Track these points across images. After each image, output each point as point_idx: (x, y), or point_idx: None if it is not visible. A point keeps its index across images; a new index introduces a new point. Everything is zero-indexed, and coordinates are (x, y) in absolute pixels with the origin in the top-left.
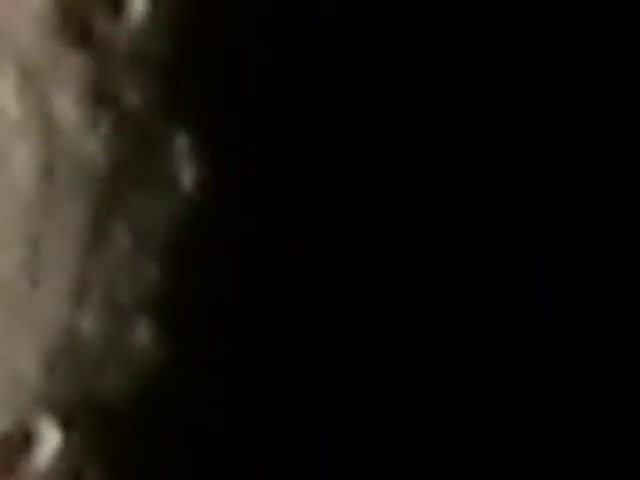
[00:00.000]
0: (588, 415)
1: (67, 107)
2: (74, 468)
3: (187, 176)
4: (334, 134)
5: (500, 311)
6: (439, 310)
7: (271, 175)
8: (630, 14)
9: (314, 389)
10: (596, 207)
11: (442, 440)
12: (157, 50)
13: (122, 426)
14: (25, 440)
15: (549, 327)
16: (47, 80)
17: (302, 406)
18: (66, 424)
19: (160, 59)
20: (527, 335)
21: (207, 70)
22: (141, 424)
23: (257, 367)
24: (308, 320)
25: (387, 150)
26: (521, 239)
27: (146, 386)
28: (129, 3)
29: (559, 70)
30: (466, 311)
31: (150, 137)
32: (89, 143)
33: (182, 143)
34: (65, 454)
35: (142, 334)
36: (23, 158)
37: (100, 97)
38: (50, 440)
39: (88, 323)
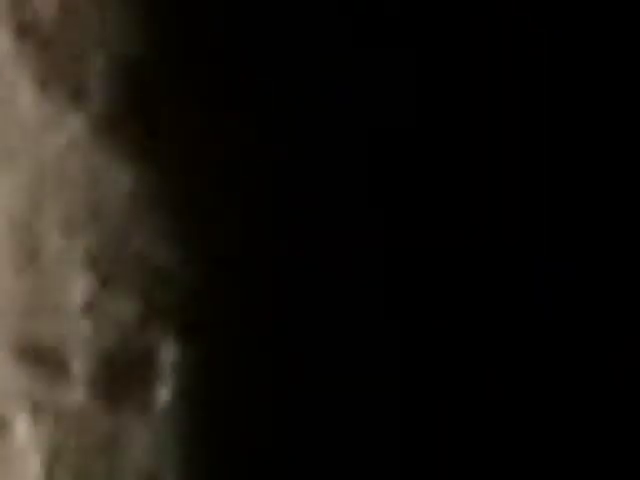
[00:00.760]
0: (588, 415)
1: None
2: None
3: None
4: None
5: (500, 311)
6: (440, 310)
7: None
8: (630, 14)
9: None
10: (596, 207)
11: (442, 439)
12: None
13: None
14: None
15: (549, 327)
16: None
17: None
18: None
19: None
20: (527, 335)
21: None
22: None
23: None
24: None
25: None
26: (521, 239)
27: None
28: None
29: (559, 70)
30: (466, 311)
31: None
32: None
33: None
34: None
35: None
36: None
37: None
38: None
39: None
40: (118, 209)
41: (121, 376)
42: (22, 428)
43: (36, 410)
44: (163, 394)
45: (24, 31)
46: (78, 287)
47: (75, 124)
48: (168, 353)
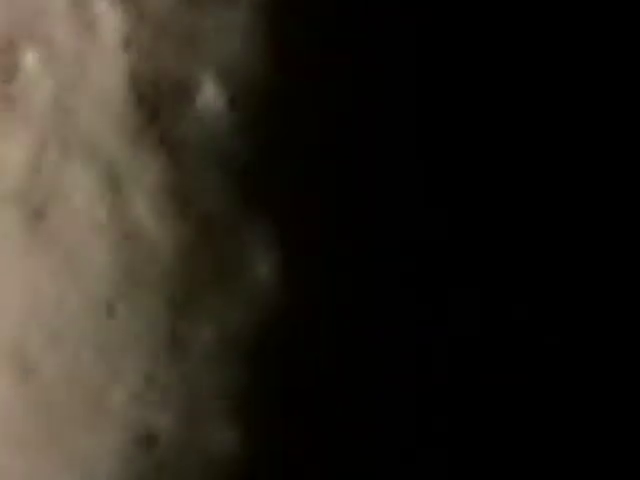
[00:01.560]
0: (588, 415)
1: (145, 208)
2: None
3: (265, 272)
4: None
5: (500, 311)
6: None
7: (349, 268)
8: (630, 14)
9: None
10: (596, 207)
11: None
12: (234, 150)
13: None
14: None
15: (549, 327)
16: (126, 181)
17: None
18: None
19: (236, 158)
20: (527, 335)
21: (283, 168)
22: None
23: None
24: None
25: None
26: (521, 239)
27: None
28: (206, 104)
29: (559, 70)
30: (467, 310)
31: (227, 234)
32: (166, 243)
33: (259, 239)
34: None
35: (221, 436)
36: (103, 258)
37: (177, 198)
38: None
39: (166, 421)
40: None
41: None
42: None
43: None
44: None
45: None
46: None
47: None
48: None
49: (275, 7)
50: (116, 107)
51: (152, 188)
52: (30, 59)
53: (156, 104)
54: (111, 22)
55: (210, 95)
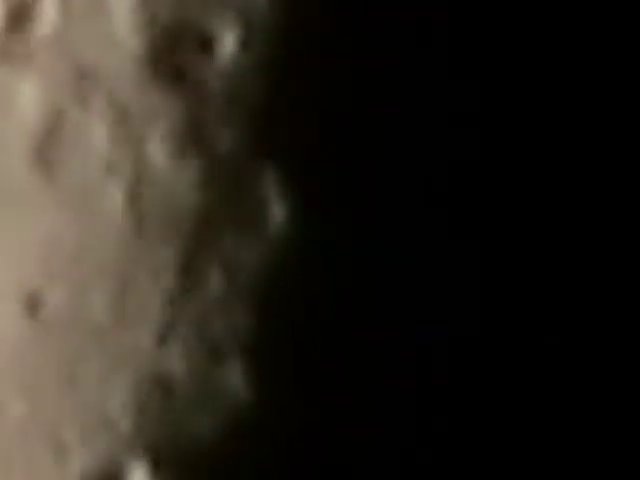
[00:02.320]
0: (588, 415)
1: (159, 149)
2: None
3: (278, 213)
4: (432, 168)
5: (500, 311)
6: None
7: (364, 211)
8: (630, 14)
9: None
10: (596, 207)
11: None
12: (248, 89)
13: (211, 467)
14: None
15: (549, 327)
16: (139, 122)
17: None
18: (156, 465)
19: (251, 98)
20: (527, 335)
21: (299, 107)
22: (231, 465)
23: (350, 406)
24: (404, 361)
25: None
26: (522, 239)
27: (236, 427)
28: (221, 45)
29: (559, 70)
30: (467, 310)
31: (240, 175)
32: (180, 184)
33: (272, 180)
34: None
35: (233, 374)
36: (114, 198)
37: (191, 138)
38: None
39: (179, 363)
40: None
41: None
42: None
43: None
44: None
45: None
46: None
47: None
48: None
49: None
50: (131, 49)
51: (167, 130)
52: (49, 5)
53: (171, 47)
54: None
55: (225, 37)
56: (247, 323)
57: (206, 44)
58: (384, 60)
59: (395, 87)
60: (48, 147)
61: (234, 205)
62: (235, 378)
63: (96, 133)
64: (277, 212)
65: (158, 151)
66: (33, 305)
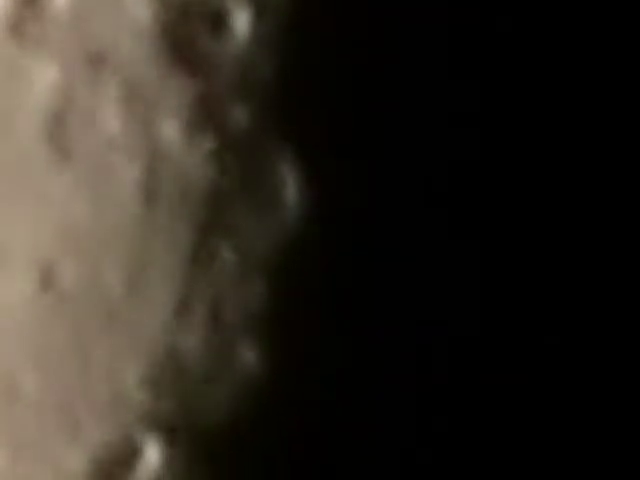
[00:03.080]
0: (588, 415)
1: (171, 127)
2: None
3: (291, 192)
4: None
5: (500, 311)
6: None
7: (378, 189)
8: (630, 14)
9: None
10: (596, 207)
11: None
12: (260, 68)
13: (224, 443)
14: (129, 455)
15: (549, 327)
16: (151, 100)
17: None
18: (169, 440)
19: (264, 77)
20: (527, 335)
21: (312, 87)
22: (243, 441)
23: (361, 387)
24: (412, 344)
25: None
26: (522, 239)
27: (249, 404)
28: (233, 22)
29: (559, 70)
30: (467, 310)
31: (254, 154)
32: (192, 162)
33: (286, 159)
34: (168, 470)
35: (246, 352)
36: (128, 175)
37: (204, 117)
38: (153, 456)
39: (192, 340)
40: None
41: None
42: None
43: None
44: None
45: None
46: None
47: None
48: None
49: None
50: (144, 27)
51: (179, 107)
52: None
53: (184, 25)
54: None
55: (237, 14)
56: (260, 299)
57: (218, 22)
58: (384, 60)
59: (395, 87)
60: (62, 125)
61: (248, 182)
62: (248, 353)
63: (109, 111)
64: (291, 190)
65: (171, 128)
66: (48, 280)
